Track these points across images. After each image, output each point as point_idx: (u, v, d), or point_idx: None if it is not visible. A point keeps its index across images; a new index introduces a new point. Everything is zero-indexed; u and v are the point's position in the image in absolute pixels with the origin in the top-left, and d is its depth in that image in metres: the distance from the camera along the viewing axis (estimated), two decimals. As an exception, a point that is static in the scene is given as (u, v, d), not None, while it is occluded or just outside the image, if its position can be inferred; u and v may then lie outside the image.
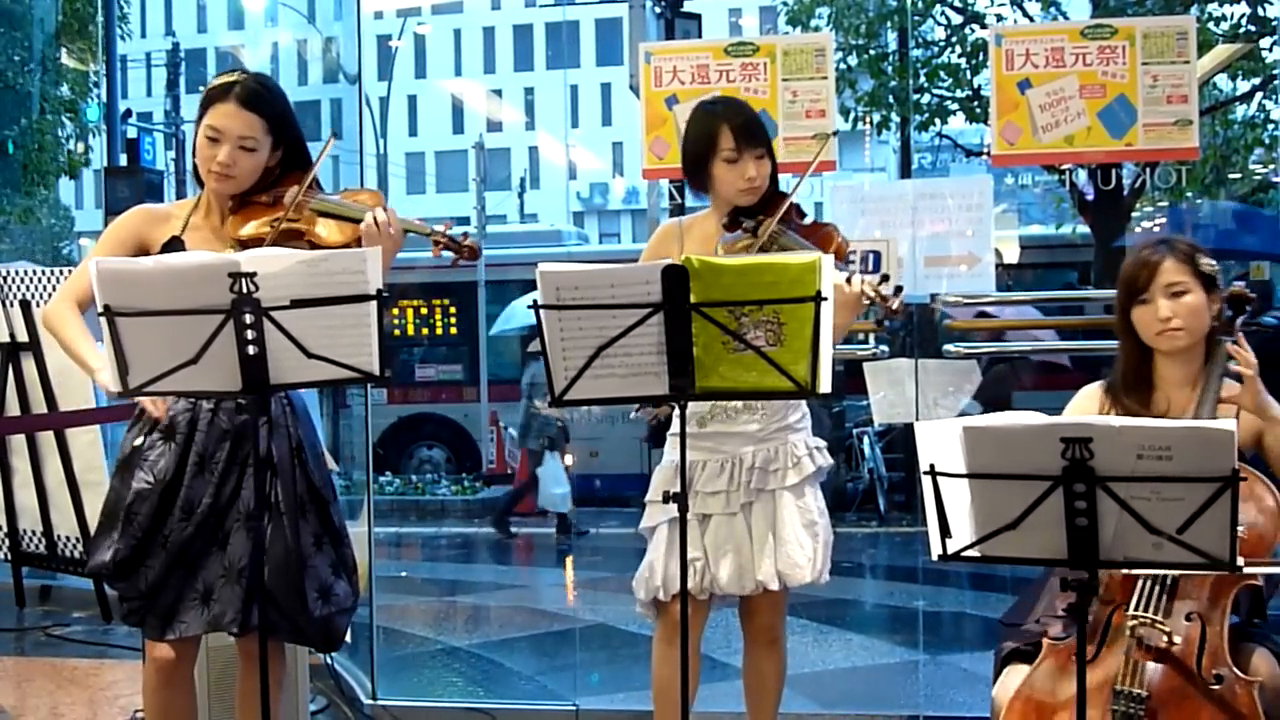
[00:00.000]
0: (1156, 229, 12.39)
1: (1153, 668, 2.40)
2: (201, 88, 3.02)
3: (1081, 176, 7.10)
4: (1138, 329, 2.67)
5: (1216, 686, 2.35)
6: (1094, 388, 2.79)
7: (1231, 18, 12.34)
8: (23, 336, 5.60)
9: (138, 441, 2.81)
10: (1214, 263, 2.65)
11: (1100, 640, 2.46)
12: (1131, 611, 2.46)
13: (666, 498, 2.74)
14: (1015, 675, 2.55)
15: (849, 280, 2.88)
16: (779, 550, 3.08)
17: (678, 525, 2.89)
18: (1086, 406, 2.77)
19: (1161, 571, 2.39)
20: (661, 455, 3.23)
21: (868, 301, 2.90)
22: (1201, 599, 2.46)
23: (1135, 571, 2.43)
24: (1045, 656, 2.51)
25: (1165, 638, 2.39)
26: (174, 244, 2.82)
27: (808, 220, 3.18)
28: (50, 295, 5.52)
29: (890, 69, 13.01)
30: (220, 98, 2.82)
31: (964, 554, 2.18)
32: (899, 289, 2.90)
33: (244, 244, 2.77)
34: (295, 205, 2.82)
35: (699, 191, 3.24)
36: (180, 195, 12.94)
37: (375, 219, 2.78)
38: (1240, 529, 2.00)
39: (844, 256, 3.09)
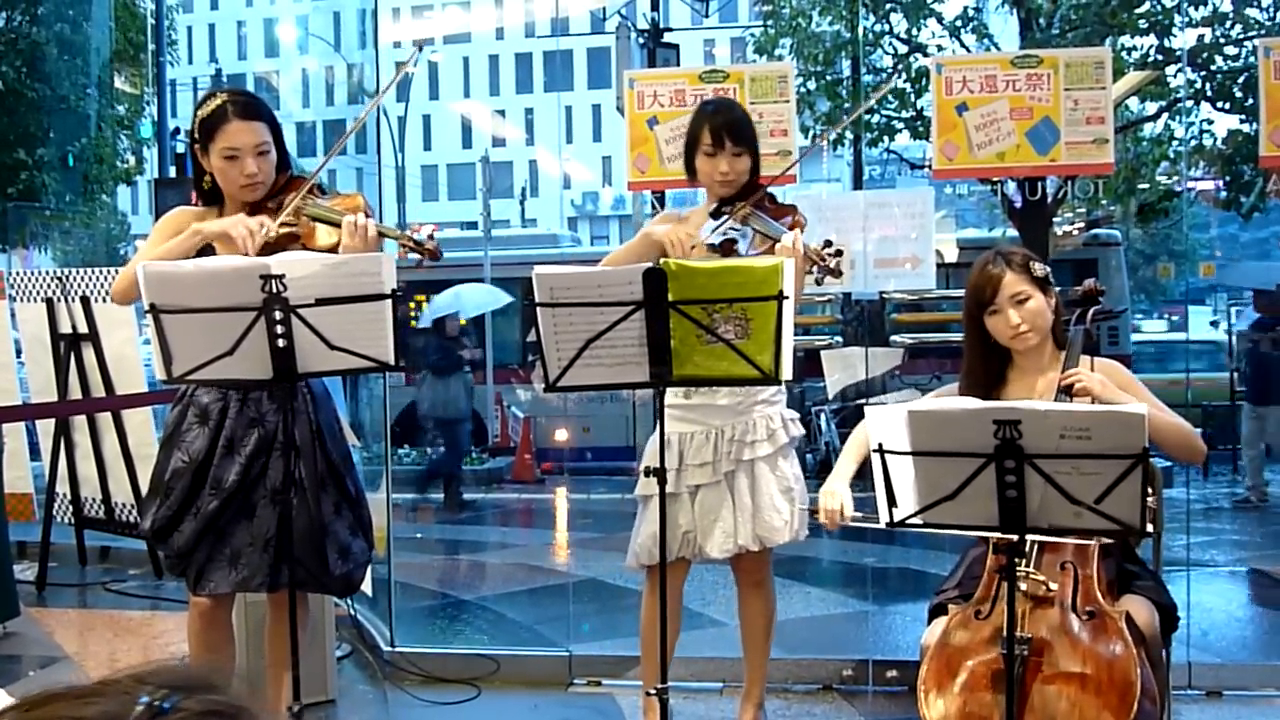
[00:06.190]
0: (1075, 232, 12.44)
1: (1036, 613, 2.39)
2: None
3: (1011, 187, 7.12)
4: (994, 334, 2.68)
5: (1090, 620, 2.36)
6: (950, 389, 2.80)
7: (1141, 48, 12.38)
8: (83, 329, 5.56)
9: (179, 423, 2.80)
10: (1045, 266, 2.67)
11: (994, 596, 2.45)
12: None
13: (648, 472, 2.72)
14: (939, 625, 2.56)
15: (795, 243, 2.88)
16: (758, 517, 3.04)
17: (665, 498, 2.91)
18: None
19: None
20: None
21: (814, 261, 2.90)
22: (1070, 550, 2.45)
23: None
24: (954, 614, 2.51)
25: (1043, 586, 2.40)
26: (205, 249, 2.76)
27: (779, 203, 3.16)
28: (107, 292, 5.48)
29: (845, 93, 12.97)
30: (222, 119, 2.72)
31: (908, 522, 2.17)
32: (839, 252, 2.92)
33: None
34: (294, 210, 2.75)
35: (695, 182, 3.18)
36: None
37: (354, 224, 2.69)
38: None
39: (802, 227, 3.04)
